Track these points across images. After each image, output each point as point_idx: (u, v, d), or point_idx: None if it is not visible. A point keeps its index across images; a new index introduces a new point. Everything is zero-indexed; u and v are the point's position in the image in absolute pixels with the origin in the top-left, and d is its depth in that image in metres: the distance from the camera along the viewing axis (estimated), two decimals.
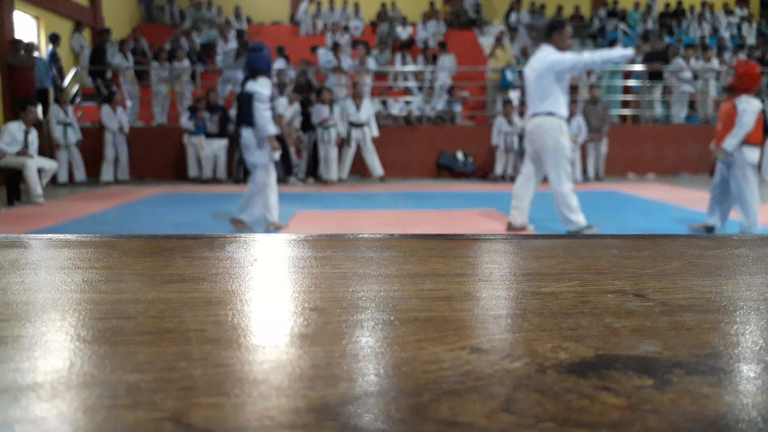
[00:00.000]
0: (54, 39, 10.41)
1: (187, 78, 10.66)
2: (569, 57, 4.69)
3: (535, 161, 4.93)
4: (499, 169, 9.58)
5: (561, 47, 4.73)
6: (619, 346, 0.38)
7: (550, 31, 4.79)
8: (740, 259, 0.64)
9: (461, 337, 0.39)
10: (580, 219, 4.80)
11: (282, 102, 8.82)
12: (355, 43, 12.19)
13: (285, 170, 9.32)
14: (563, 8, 15.28)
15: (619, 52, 4.89)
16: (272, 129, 4.96)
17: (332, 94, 9.41)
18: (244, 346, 0.38)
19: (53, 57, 10.29)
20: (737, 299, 0.49)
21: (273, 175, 5.22)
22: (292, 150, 9.24)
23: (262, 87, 4.91)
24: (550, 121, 4.71)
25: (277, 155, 5.18)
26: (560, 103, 4.73)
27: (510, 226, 5.08)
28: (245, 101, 5.00)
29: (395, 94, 11.28)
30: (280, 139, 8.91)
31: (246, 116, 4.99)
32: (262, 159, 5.06)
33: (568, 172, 4.82)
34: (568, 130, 4.81)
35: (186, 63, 10.80)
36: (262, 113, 4.90)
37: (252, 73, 5.01)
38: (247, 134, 5.03)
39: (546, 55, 4.70)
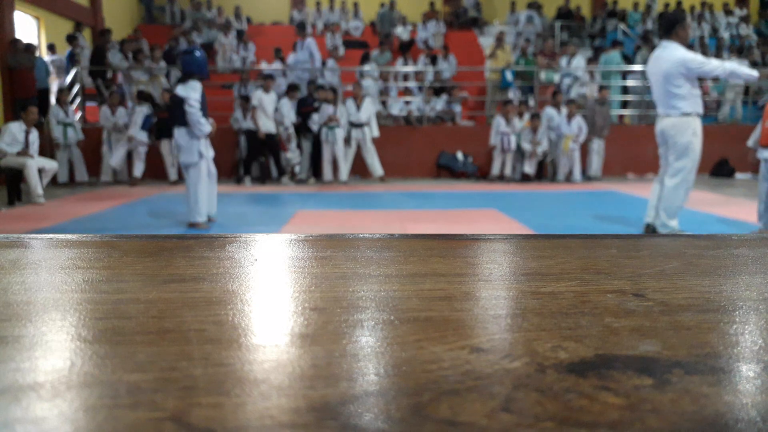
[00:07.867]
0: (71, 39, 10.46)
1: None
2: (703, 61, 4.50)
3: (666, 162, 4.80)
4: (496, 169, 9.56)
5: (684, 41, 4.58)
6: (618, 345, 0.38)
7: (673, 25, 4.56)
8: (739, 259, 0.65)
9: (461, 337, 0.39)
10: (673, 224, 4.73)
11: (257, 94, 8.83)
12: (349, 43, 12.15)
13: (278, 170, 9.29)
14: (563, 8, 15.29)
15: (746, 70, 4.69)
16: (207, 128, 5.23)
17: (336, 94, 9.37)
18: (245, 346, 0.38)
19: (71, 58, 10.33)
20: (736, 299, 0.49)
21: (204, 175, 5.39)
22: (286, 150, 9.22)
23: (191, 91, 5.17)
24: (685, 122, 4.56)
25: (211, 153, 5.41)
26: (696, 102, 4.57)
27: (648, 228, 4.96)
28: (176, 104, 5.25)
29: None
30: (269, 140, 8.94)
31: (178, 118, 5.26)
32: (192, 159, 5.29)
33: (689, 180, 4.64)
34: (701, 132, 4.61)
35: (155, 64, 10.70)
36: (193, 117, 5.16)
37: (184, 76, 5.26)
38: (178, 134, 5.29)
39: (673, 53, 4.50)
